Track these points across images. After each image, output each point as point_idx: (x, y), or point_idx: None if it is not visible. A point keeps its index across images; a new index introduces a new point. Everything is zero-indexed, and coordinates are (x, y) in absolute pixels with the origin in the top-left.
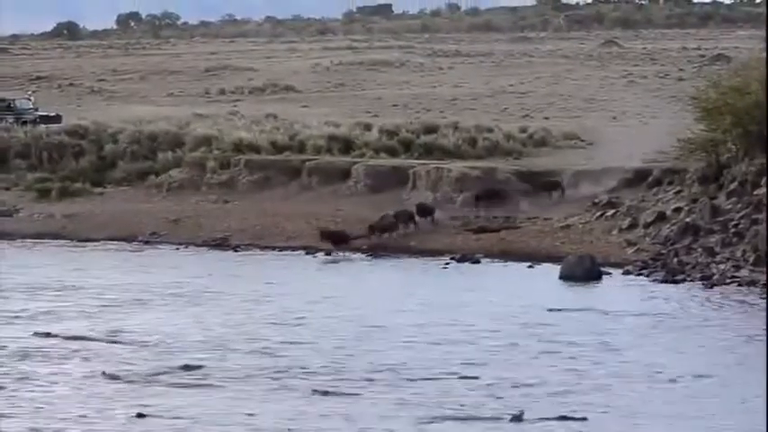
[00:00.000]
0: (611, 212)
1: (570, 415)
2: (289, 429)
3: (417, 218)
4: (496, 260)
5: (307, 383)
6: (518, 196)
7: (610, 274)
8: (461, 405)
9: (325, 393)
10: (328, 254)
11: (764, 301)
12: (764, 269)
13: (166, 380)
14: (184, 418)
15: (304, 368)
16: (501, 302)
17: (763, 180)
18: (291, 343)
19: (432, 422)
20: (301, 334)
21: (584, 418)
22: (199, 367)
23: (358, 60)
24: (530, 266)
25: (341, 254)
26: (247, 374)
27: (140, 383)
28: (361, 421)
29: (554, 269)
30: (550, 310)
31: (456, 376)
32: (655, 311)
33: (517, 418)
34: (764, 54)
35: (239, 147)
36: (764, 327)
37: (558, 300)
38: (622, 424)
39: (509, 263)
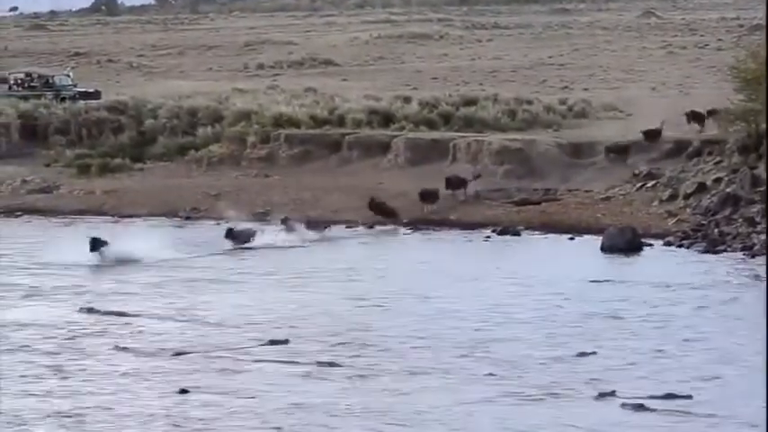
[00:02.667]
0: (651, 184)
1: (675, 393)
2: None
3: None
4: (537, 232)
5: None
6: None
7: (651, 245)
8: (553, 383)
9: (412, 373)
10: (371, 227)
11: None
12: None
13: (226, 357)
14: (227, 394)
15: (373, 346)
16: (555, 276)
17: None
18: (363, 324)
19: (526, 401)
20: (370, 312)
21: (690, 396)
22: (257, 345)
23: (397, 33)
24: (571, 238)
25: (382, 227)
26: (315, 353)
27: (197, 361)
28: (450, 400)
29: (595, 241)
30: (601, 282)
31: (541, 355)
32: (711, 283)
33: (604, 395)
34: None
35: (279, 121)
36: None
37: (607, 272)
38: (725, 401)
39: (549, 235)
